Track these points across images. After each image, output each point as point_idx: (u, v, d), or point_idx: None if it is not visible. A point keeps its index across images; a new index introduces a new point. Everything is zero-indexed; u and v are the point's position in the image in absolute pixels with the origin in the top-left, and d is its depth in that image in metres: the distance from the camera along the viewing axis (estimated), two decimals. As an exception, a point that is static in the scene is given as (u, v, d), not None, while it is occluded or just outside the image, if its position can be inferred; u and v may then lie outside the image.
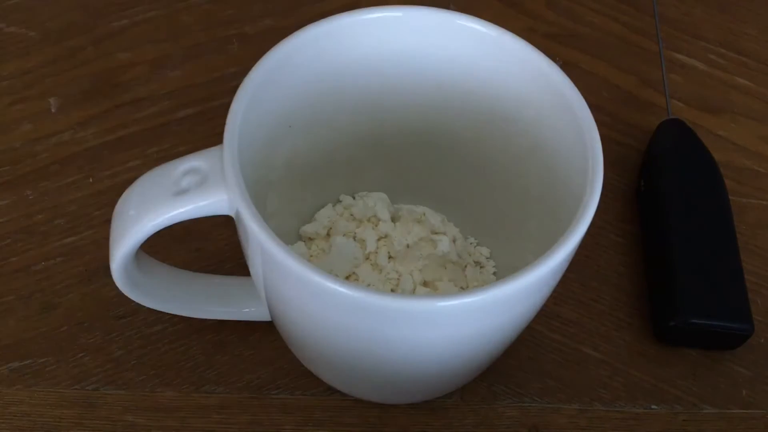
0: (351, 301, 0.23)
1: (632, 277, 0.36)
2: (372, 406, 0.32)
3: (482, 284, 0.30)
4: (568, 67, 0.31)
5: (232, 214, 0.26)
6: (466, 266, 0.33)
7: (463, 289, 0.32)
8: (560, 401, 0.33)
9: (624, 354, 0.34)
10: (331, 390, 0.32)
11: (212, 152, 0.26)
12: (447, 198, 0.35)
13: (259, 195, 0.26)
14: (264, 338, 0.33)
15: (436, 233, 0.33)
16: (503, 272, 0.34)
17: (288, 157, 0.31)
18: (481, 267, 0.34)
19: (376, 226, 0.33)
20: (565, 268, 0.26)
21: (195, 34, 0.43)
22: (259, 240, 0.24)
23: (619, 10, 0.46)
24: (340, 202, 0.35)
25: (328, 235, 0.33)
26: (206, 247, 0.36)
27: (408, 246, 0.33)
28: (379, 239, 0.33)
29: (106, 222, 0.28)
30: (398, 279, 0.32)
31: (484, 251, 0.34)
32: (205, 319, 0.33)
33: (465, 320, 0.24)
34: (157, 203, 0.26)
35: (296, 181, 0.32)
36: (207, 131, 0.39)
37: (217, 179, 0.25)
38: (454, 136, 0.33)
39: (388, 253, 0.33)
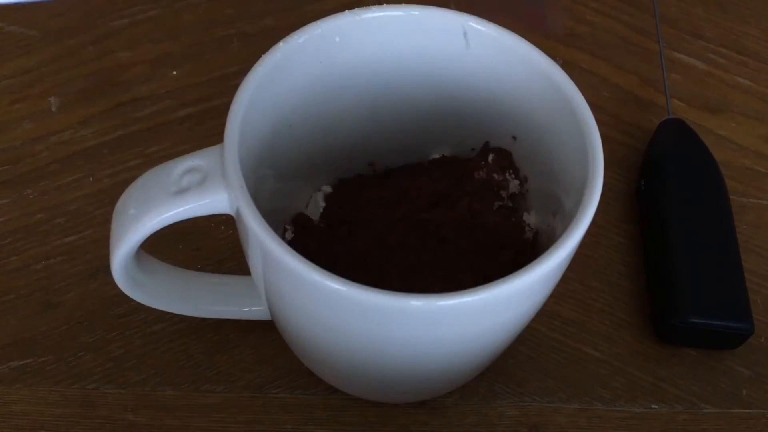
0: (351, 300, 0.23)
1: (632, 276, 0.36)
2: (372, 406, 0.32)
3: None
4: (568, 66, 0.31)
5: (232, 212, 0.26)
6: None
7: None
8: (560, 400, 0.33)
9: (624, 353, 0.34)
10: (331, 389, 0.32)
11: (212, 151, 0.26)
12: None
13: (259, 194, 0.26)
14: (264, 337, 0.33)
15: None
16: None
17: (288, 157, 0.31)
18: None
19: None
20: (565, 268, 0.26)
21: (195, 33, 0.43)
22: (260, 239, 0.24)
23: (619, 10, 0.46)
24: None
25: None
26: (206, 246, 0.36)
27: None
28: None
29: (107, 221, 0.28)
30: None
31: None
32: (205, 319, 0.33)
33: (465, 320, 0.24)
34: (158, 202, 0.25)
35: (296, 180, 0.32)
36: (207, 131, 0.39)
37: (217, 178, 0.25)
38: (454, 136, 0.33)
39: None
